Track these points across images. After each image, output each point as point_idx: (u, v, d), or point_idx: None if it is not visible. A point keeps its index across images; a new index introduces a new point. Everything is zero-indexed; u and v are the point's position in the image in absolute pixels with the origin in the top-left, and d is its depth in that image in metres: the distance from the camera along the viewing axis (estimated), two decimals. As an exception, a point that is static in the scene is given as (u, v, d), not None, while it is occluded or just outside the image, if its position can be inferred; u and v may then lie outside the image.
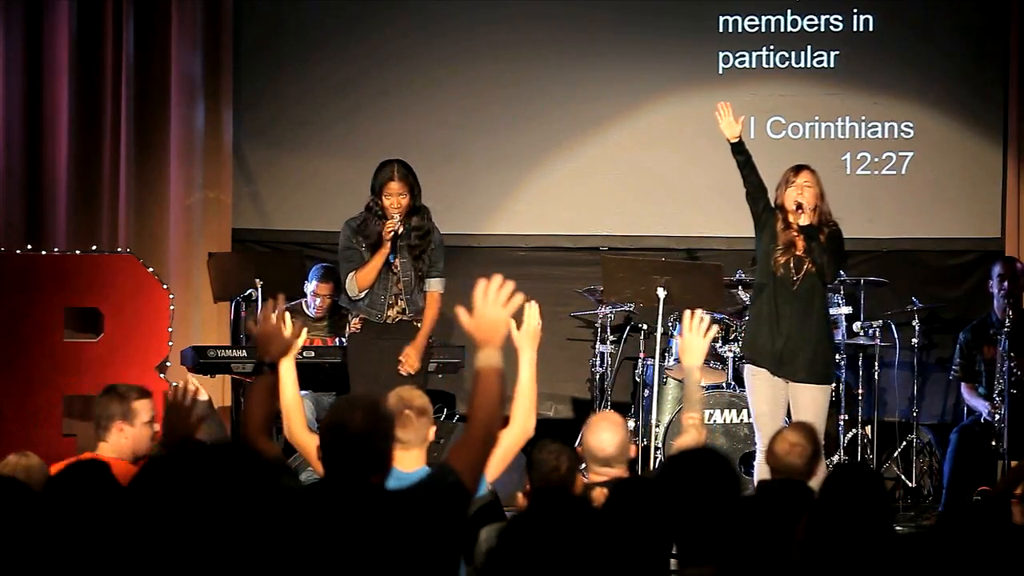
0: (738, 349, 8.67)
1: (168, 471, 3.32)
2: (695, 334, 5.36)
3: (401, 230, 7.39)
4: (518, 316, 4.77)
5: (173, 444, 4.54)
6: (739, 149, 7.25)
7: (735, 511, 3.50)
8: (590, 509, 3.28)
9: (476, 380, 3.86)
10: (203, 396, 6.39)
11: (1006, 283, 8.70)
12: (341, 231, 7.53)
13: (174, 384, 4.85)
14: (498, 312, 3.89)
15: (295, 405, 5.25)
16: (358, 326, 7.50)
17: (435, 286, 7.54)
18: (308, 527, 3.54)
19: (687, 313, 5.44)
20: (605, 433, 5.01)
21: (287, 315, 4.58)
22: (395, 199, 7.37)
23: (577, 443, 8.72)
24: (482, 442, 3.83)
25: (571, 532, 3.06)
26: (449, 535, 3.71)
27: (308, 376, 8.46)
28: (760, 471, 6.95)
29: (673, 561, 3.56)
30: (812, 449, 5.14)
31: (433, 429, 5.22)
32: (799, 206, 7.21)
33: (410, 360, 7.41)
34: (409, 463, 4.99)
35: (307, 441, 5.20)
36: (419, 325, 7.48)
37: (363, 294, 7.44)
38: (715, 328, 5.48)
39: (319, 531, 3.56)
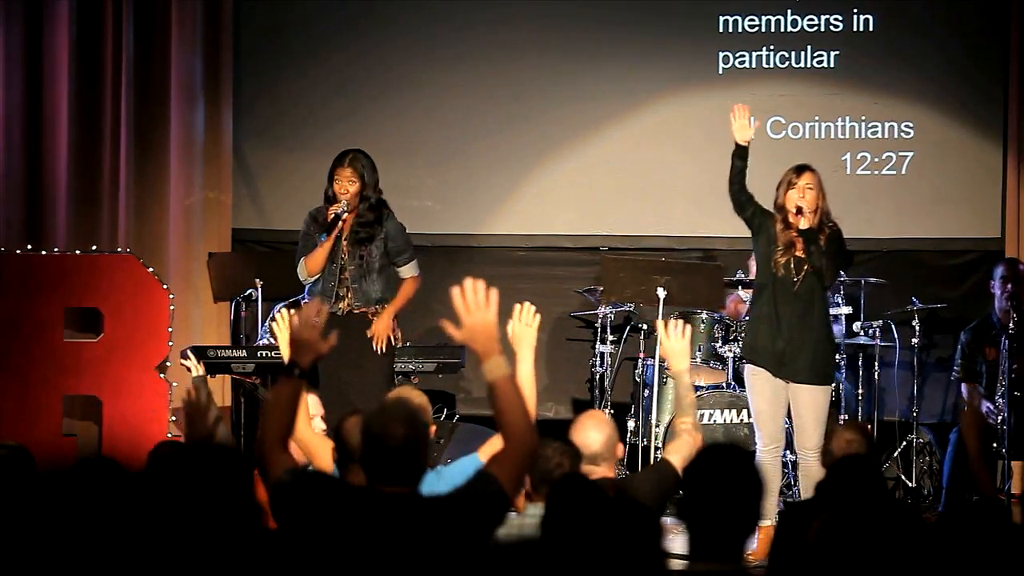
0: (738, 349, 8.66)
1: (178, 472, 3.32)
2: (674, 339, 5.38)
3: (345, 214, 7.40)
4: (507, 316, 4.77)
5: (193, 443, 4.52)
6: (742, 155, 7.19)
7: (752, 508, 3.51)
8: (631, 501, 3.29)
9: (493, 394, 3.78)
10: (198, 372, 6.38)
11: (1010, 285, 8.70)
12: (303, 220, 7.60)
13: (188, 387, 4.82)
14: (484, 316, 3.81)
15: (302, 403, 5.23)
16: None
17: (405, 272, 7.57)
18: (348, 534, 3.54)
19: (659, 324, 5.47)
20: (592, 431, 5.01)
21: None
22: (343, 183, 7.43)
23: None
24: (520, 452, 3.79)
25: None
26: (486, 545, 3.67)
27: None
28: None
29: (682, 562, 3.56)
30: (868, 443, 5.12)
31: (432, 428, 5.22)
32: (799, 210, 7.19)
33: (377, 336, 7.41)
34: None
35: (311, 438, 5.19)
36: (372, 317, 7.48)
37: (313, 280, 7.47)
38: (689, 328, 5.48)
39: (359, 538, 3.54)
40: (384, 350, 7.43)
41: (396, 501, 3.66)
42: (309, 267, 7.47)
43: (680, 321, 5.48)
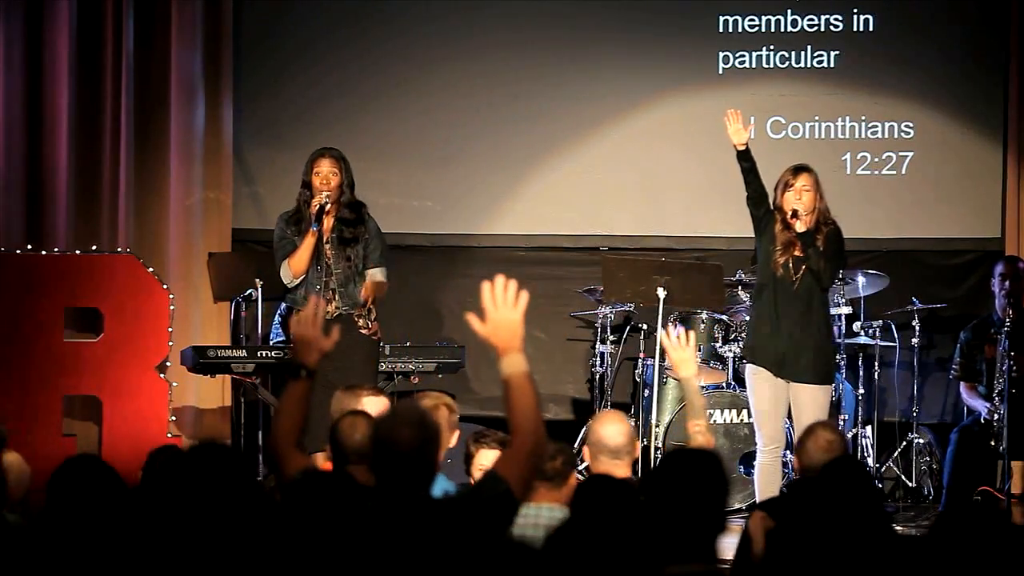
0: (738, 349, 8.66)
1: (180, 472, 3.31)
2: (679, 349, 5.41)
3: (328, 205, 7.37)
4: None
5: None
6: (745, 156, 7.23)
7: (720, 510, 3.51)
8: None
9: (508, 390, 3.80)
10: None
11: (1008, 283, 8.70)
12: (275, 225, 7.55)
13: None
14: (510, 314, 3.85)
15: None
16: None
17: (375, 276, 7.48)
18: (356, 536, 3.54)
19: (661, 335, 5.50)
20: (614, 425, 5.09)
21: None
22: (325, 175, 7.41)
23: (579, 442, 8.74)
24: (530, 451, 3.78)
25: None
26: (495, 546, 3.66)
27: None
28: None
29: None
30: (845, 445, 5.16)
31: (456, 433, 5.23)
32: (795, 213, 7.20)
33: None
34: None
35: None
36: (358, 319, 7.41)
37: (298, 282, 7.43)
38: (692, 335, 5.50)
39: (367, 540, 3.54)
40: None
41: (405, 502, 3.66)
42: (294, 268, 7.41)
43: (681, 328, 5.52)
